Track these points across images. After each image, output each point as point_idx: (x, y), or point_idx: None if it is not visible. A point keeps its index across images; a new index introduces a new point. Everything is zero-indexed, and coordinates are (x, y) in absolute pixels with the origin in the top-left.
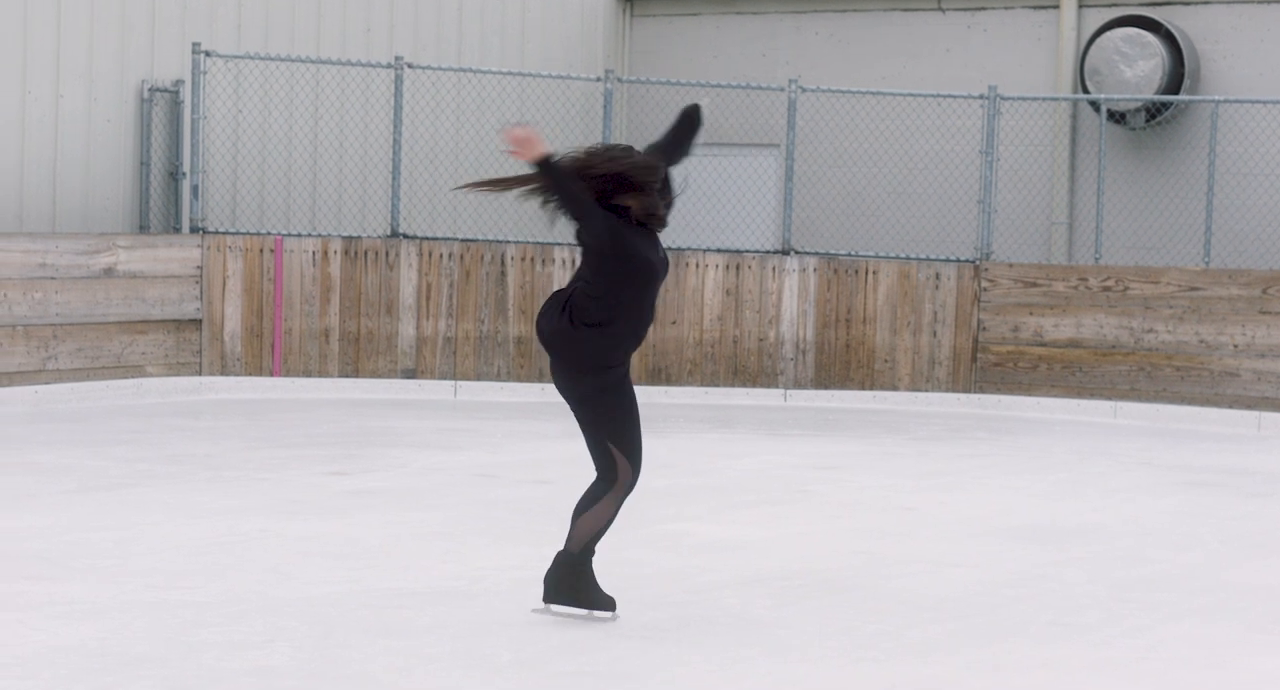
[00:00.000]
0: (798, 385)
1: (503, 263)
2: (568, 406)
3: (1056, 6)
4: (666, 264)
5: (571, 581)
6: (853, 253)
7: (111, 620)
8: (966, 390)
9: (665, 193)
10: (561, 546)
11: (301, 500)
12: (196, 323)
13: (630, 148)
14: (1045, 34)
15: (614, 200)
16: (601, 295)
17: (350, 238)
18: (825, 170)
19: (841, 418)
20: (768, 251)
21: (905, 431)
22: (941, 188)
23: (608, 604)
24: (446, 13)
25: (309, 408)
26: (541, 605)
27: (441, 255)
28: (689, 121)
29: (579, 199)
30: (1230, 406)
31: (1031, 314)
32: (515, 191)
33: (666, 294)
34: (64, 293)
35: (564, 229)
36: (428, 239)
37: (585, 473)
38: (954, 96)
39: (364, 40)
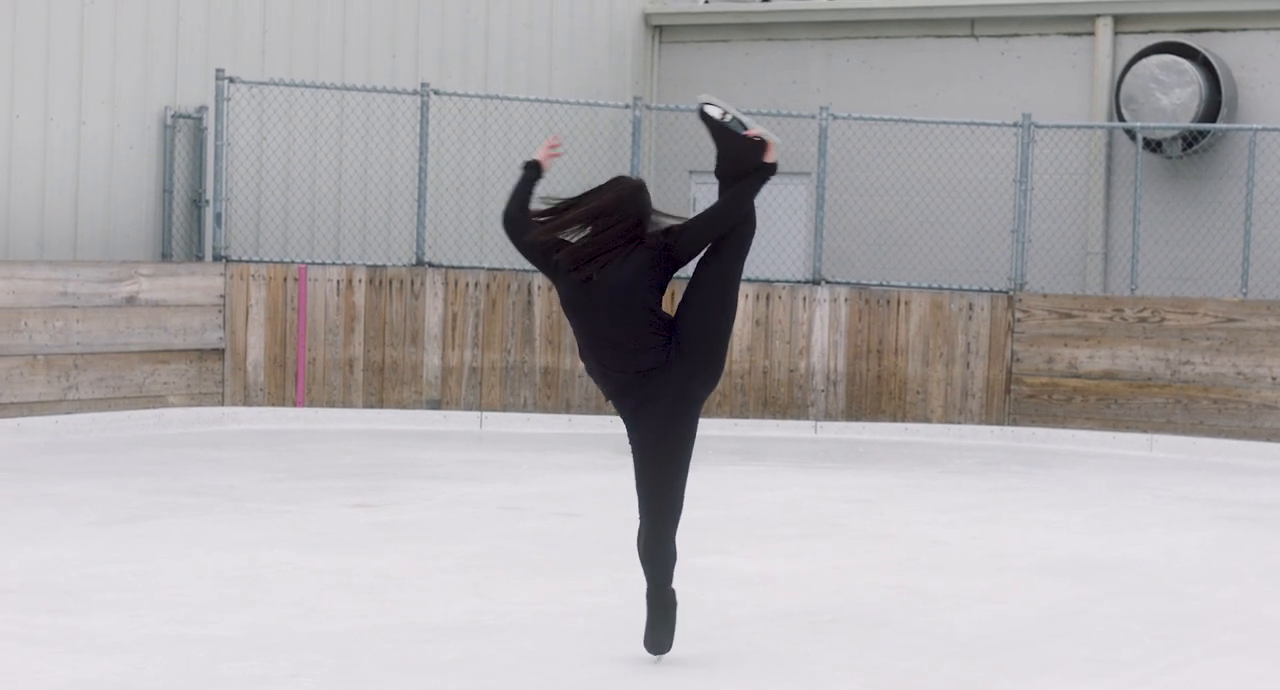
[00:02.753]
0: (828, 417)
1: (529, 292)
2: (637, 443)
3: (1092, 33)
4: None
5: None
6: (884, 282)
7: (132, 654)
8: (1000, 422)
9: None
10: (659, 592)
11: (325, 533)
12: (219, 352)
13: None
14: (1080, 61)
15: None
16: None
17: (375, 266)
18: (856, 199)
19: (873, 450)
20: (798, 281)
21: (938, 464)
22: (974, 217)
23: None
24: (473, 39)
25: (333, 439)
26: (656, 657)
27: (467, 284)
28: (709, 127)
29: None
30: (1268, 440)
31: (1066, 345)
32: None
33: None
34: (85, 321)
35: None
36: (453, 268)
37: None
38: (987, 124)
39: (389, 66)
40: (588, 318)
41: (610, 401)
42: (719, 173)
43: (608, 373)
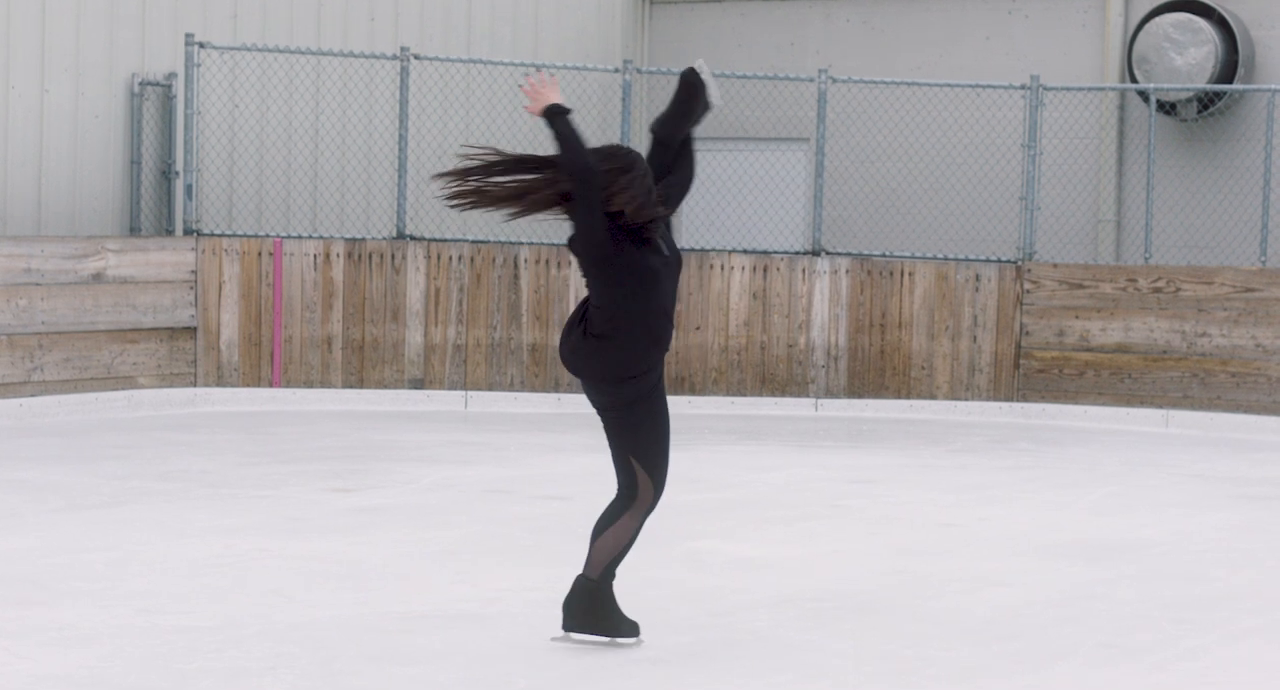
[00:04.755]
0: (829, 394)
1: (516, 266)
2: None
3: None
4: (675, 261)
5: (592, 607)
6: (887, 253)
7: (102, 647)
8: (1009, 398)
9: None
10: (580, 570)
11: (303, 518)
12: (191, 331)
13: (628, 152)
14: (1090, 20)
15: (607, 207)
16: (603, 305)
17: (354, 240)
18: (857, 166)
19: (876, 428)
20: (797, 252)
21: (944, 443)
22: (981, 184)
23: (631, 630)
24: (455, 0)
25: (310, 420)
26: (561, 633)
27: (451, 258)
28: (688, 88)
29: (587, 167)
30: None
31: (1077, 317)
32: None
33: (689, 298)
34: (50, 299)
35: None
36: (436, 241)
37: (605, 488)
38: (994, 87)
39: (367, 30)
40: (662, 294)
41: (646, 375)
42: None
43: (660, 350)
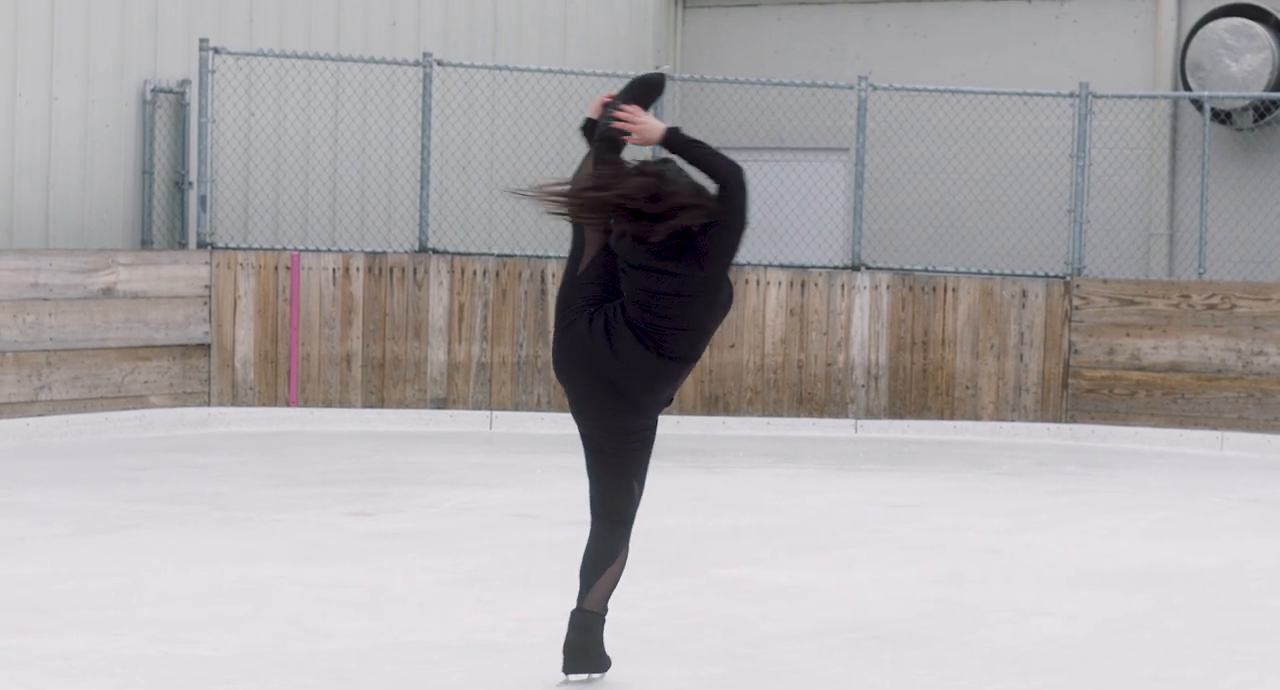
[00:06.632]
0: (870, 415)
1: (543, 281)
2: (595, 441)
3: None
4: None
5: (597, 646)
6: (930, 268)
7: (112, 677)
8: (1056, 420)
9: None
10: (580, 607)
11: (321, 544)
12: (205, 348)
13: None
14: (1142, 25)
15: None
16: (698, 326)
17: (374, 254)
18: (899, 177)
19: (918, 451)
20: (836, 267)
21: (989, 466)
22: (1028, 195)
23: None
24: (480, 4)
25: (329, 441)
26: (564, 677)
27: (475, 273)
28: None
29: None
30: None
31: (1128, 335)
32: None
33: None
34: (58, 315)
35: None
36: (460, 255)
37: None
38: (1042, 95)
39: (389, 35)
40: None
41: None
42: None
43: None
